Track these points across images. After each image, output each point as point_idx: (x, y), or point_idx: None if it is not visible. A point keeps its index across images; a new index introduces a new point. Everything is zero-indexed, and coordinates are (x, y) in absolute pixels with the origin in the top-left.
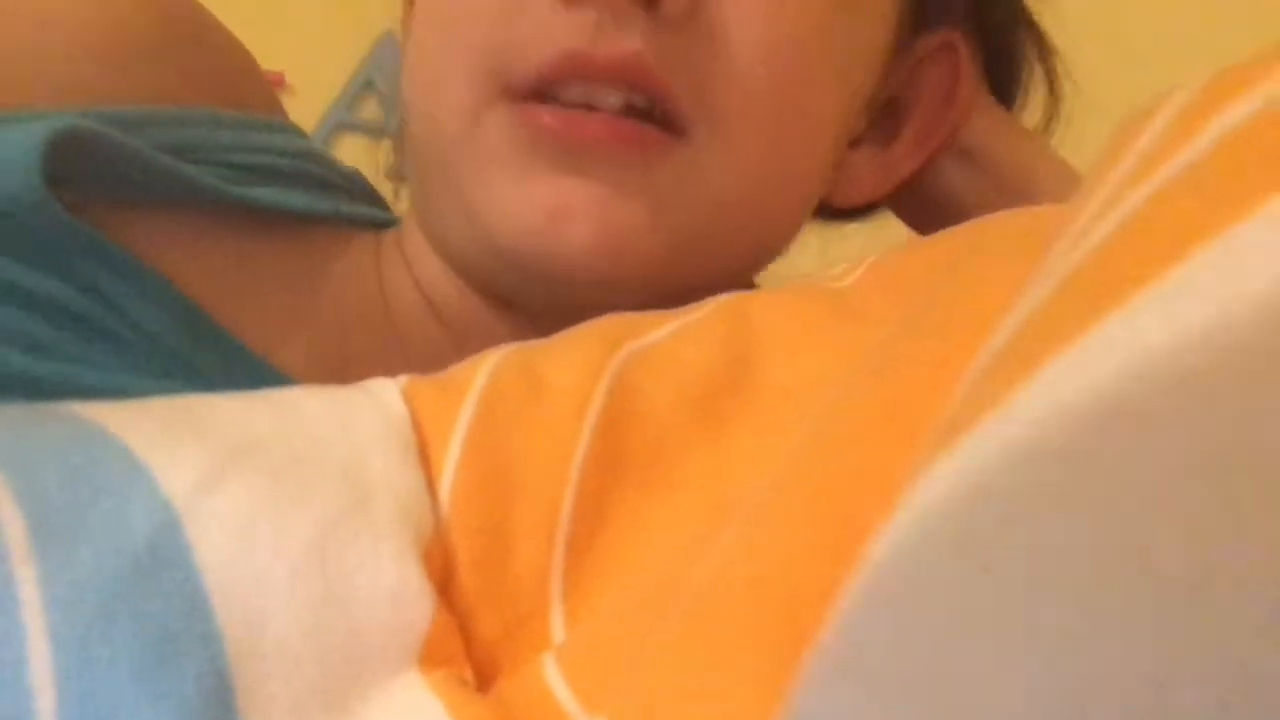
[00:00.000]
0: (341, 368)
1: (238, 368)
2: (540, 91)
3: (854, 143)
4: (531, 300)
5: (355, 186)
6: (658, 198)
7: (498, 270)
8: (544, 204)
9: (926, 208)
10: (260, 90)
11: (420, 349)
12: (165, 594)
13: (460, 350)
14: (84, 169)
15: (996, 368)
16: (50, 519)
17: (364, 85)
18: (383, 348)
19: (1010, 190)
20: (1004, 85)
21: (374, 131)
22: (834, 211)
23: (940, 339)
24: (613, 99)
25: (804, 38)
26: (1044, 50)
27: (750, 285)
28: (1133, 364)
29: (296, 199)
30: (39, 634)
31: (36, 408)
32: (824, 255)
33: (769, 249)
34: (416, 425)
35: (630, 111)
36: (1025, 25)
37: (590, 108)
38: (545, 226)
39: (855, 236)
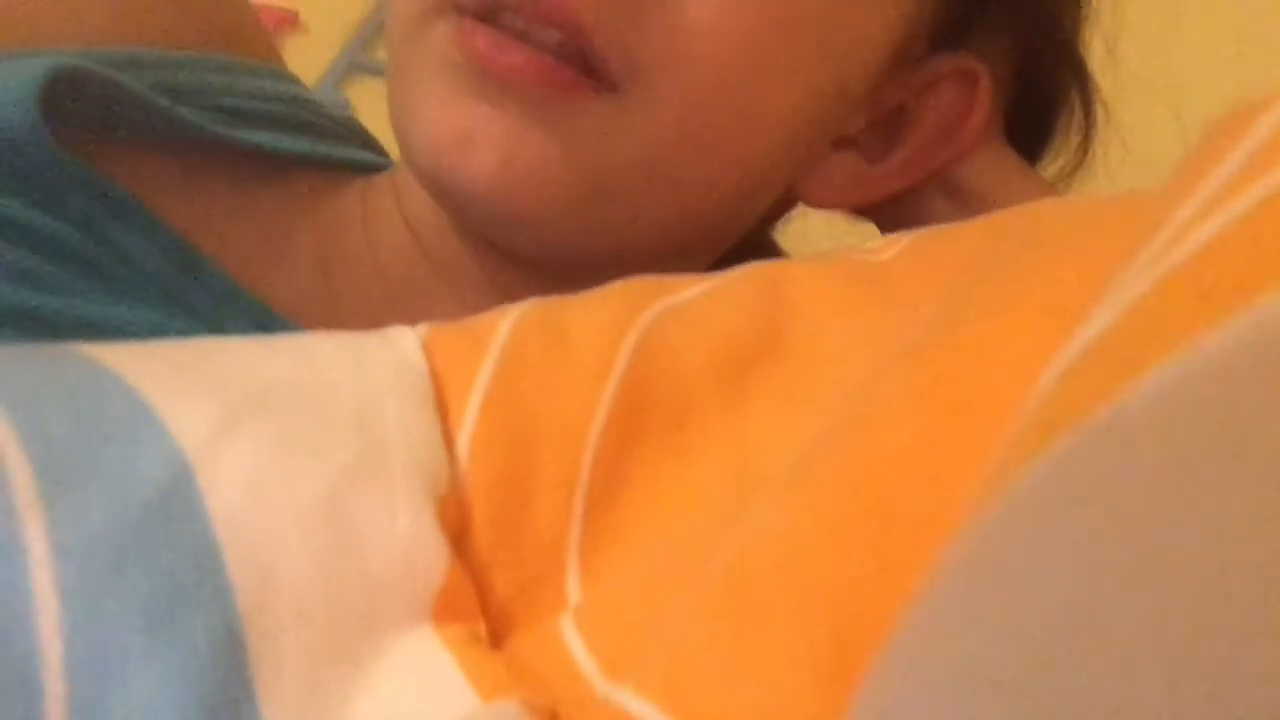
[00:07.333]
0: (328, 304)
1: (226, 302)
2: (484, 13)
3: (843, 142)
4: (493, 239)
5: (348, 132)
6: (571, 141)
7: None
8: (454, 127)
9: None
10: (254, 35)
11: (406, 286)
12: (176, 546)
13: (448, 286)
14: (80, 107)
15: (1092, 367)
16: (58, 467)
17: (378, 26)
18: (367, 286)
19: None
20: (1031, 131)
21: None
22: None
23: (983, 326)
24: (549, 35)
25: (766, 20)
26: (1087, 99)
27: (775, 251)
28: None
29: (286, 142)
30: (46, 585)
31: (44, 348)
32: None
33: (707, 226)
34: (435, 376)
35: (565, 51)
36: (1072, 71)
37: (526, 39)
38: (450, 150)
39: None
